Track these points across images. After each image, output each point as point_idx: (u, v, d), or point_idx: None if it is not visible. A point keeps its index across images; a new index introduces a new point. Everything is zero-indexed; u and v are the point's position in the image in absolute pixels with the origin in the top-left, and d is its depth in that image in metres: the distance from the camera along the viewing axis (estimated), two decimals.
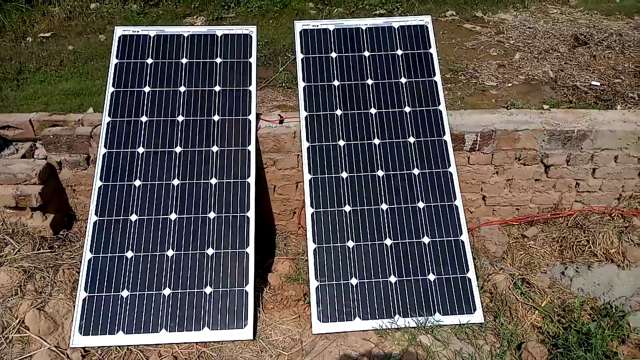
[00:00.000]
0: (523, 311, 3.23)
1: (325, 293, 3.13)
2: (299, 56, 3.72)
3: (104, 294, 3.08)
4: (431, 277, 3.19)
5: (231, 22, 7.91)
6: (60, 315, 3.10)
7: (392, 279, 3.18)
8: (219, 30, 3.80)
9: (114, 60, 3.65)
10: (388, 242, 3.26)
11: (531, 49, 6.84)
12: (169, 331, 3.00)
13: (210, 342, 3.00)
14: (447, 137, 3.52)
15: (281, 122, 3.71)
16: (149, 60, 3.66)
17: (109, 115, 3.50)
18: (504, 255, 3.78)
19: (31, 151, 3.94)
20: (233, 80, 3.66)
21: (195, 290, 3.11)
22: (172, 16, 8.15)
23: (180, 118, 3.52)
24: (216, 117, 3.54)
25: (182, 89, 3.60)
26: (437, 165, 3.45)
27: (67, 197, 3.91)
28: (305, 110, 3.56)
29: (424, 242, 3.27)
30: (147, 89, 3.58)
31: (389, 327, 3.04)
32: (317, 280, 3.16)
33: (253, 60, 3.73)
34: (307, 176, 3.41)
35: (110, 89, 3.57)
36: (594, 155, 3.80)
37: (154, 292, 3.09)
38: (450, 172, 3.44)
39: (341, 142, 3.49)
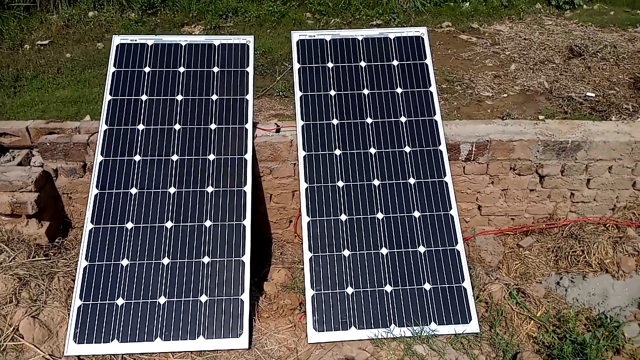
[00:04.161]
0: (518, 321, 3.23)
1: (321, 302, 3.13)
2: (296, 66, 3.74)
3: (99, 302, 3.07)
4: (427, 286, 3.19)
5: (229, 32, 7.95)
6: (55, 323, 3.09)
7: (388, 288, 3.18)
8: (217, 40, 3.83)
9: (111, 69, 3.66)
10: (384, 251, 3.27)
11: (526, 60, 6.89)
12: (164, 340, 2.99)
13: (205, 351, 2.99)
14: (442, 147, 3.54)
15: (278, 131, 3.73)
16: (147, 69, 3.67)
17: (106, 123, 3.50)
18: (499, 265, 3.79)
19: (27, 158, 3.93)
20: (230, 89, 3.67)
21: (191, 298, 3.10)
22: (170, 25, 8.18)
23: (177, 126, 3.53)
24: (213, 126, 3.55)
25: (180, 97, 3.62)
26: (432, 175, 3.46)
27: (63, 205, 3.90)
28: (302, 119, 3.58)
29: (419, 252, 3.28)
30: (144, 97, 3.59)
31: (385, 337, 3.04)
32: (313, 289, 3.15)
33: (250, 69, 3.75)
34: (304, 185, 3.42)
35: (107, 97, 3.58)
36: (589, 166, 3.83)
37: (149, 301, 3.08)
38: (445, 181, 3.46)
39: (337, 152, 3.50)
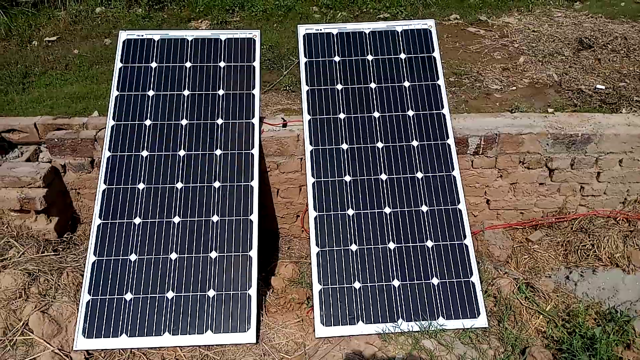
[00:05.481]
0: (527, 316, 3.21)
1: (329, 296, 3.12)
2: (303, 60, 3.72)
3: (107, 297, 3.08)
4: (435, 281, 3.18)
5: (235, 26, 7.94)
6: (64, 318, 3.11)
7: (396, 282, 3.17)
8: (223, 34, 3.82)
9: (118, 64, 3.67)
10: (391, 245, 3.26)
11: (535, 52, 6.83)
12: (172, 334, 3.00)
13: (213, 345, 3.00)
14: (450, 141, 3.51)
15: (284, 125, 3.72)
16: (153, 64, 3.67)
17: (113, 119, 3.51)
18: (508, 259, 3.77)
19: (36, 154, 3.96)
20: (237, 83, 3.67)
21: (199, 293, 3.11)
22: (177, 20, 8.19)
23: (184, 121, 3.53)
24: (220, 121, 3.55)
25: (186, 92, 3.61)
26: (440, 169, 3.44)
27: (71, 200, 3.92)
28: (309, 113, 3.57)
29: (427, 246, 3.26)
30: (151, 92, 3.59)
31: (392, 331, 3.03)
32: (320, 284, 3.15)
33: (257, 63, 3.74)
34: (311, 179, 3.41)
35: (114, 93, 3.59)
36: (599, 159, 3.79)
37: (157, 295, 3.09)
38: (454, 175, 3.43)
39: (344, 146, 3.49)
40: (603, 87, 5.75)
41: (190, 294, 3.11)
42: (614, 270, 3.66)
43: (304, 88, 3.64)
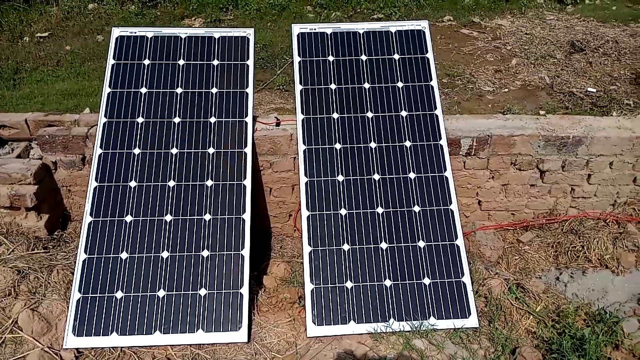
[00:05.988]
0: (517, 316, 3.23)
1: (320, 296, 3.13)
2: (296, 59, 3.72)
3: (98, 295, 3.06)
4: (426, 281, 3.19)
5: (229, 25, 7.92)
6: (54, 316, 3.09)
7: (387, 282, 3.18)
8: (217, 33, 3.81)
9: (110, 61, 3.65)
10: (384, 245, 3.27)
11: (528, 54, 6.87)
12: (163, 333, 2.99)
13: (204, 344, 2.99)
14: (443, 142, 3.52)
15: (278, 124, 3.71)
16: (146, 62, 3.66)
17: (105, 116, 3.49)
18: (499, 260, 3.79)
19: (26, 151, 3.92)
20: (230, 82, 3.66)
21: (190, 292, 3.10)
22: (170, 18, 8.16)
23: (177, 120, 3.52)
24: (213, 119, 3.54)
25: (179, 90, 3.60)
26: (433, 170, 3.45)
27: (62, 198, 3.89)
28: (302, 113, 3.57)
29: (419, 246, 3.28)
30: (143, 90, 3.58)
31: (384, 331, 3.04)
32: (312, 283, 3.15)
33: (250, 62, 3.73)
34: (303, 179, 3.41)
35: (106, 90, 3.56)
36: (589, 161, 3.82)
37: (148, 294, 3.08)
38: (446, 176, 3.45)
39: (338, 146, 3.49)
40: (594, 90, 5.80)
41: (182, 292, 3.10)
42: (604, 272, 3.69)
43: (298, 87, 3.64)
